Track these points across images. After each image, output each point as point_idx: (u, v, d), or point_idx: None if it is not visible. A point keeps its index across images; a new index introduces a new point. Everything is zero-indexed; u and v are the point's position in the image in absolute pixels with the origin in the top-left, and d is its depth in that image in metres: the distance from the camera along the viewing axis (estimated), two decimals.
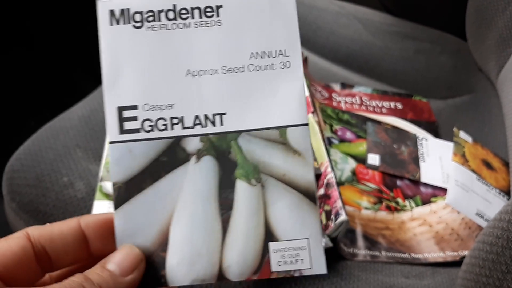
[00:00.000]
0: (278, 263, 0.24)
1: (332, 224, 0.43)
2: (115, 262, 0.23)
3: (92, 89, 0.60)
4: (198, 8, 0.25)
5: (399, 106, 0.64)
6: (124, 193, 0.24)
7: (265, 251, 0.24)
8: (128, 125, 0.25)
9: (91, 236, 0.24)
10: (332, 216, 0.43)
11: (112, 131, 0.24)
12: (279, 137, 0.25)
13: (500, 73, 0.66)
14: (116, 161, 0.24)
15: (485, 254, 0.34)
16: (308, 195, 0.25)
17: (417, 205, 0.52)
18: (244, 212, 0.25)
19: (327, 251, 0.42)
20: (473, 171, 0.55)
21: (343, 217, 0.42)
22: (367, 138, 0.57)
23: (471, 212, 0.50)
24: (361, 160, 0.55)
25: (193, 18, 0.25)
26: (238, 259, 0.24)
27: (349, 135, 0.58)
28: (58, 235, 0.23)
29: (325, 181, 0.47)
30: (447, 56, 0.72)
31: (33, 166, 0.47)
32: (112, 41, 0.25)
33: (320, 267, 0.25)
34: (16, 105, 0.99)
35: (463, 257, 0.46)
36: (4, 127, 0.92)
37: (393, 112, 0.63)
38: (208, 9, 0.25)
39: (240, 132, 0.25)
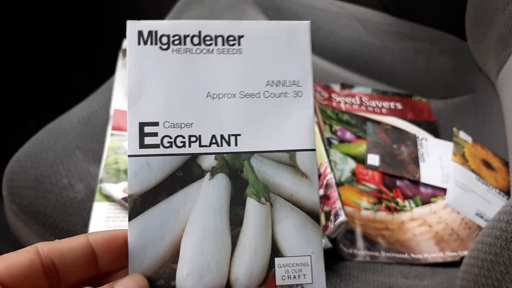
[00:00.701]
0: (282, 278, 0.26)
1: (331, 225, 0.43)
2: (122, 285, 0.24)
3: (93, 91, 0.60)
4: (221, 36, 0.27)
5: (399, 106, 0.64)
6: (140, 205, 0.26)
7: (271, 265, 0.26)
8: (148, 140, 0.26)
9: (99, 251, 0.25)
10: (332, 217, 0.43)
11: (132, 144, 0.26)
12: (288, 160, 0.27)
13: (500, 73, 0.66)
14: (134, 173, 0.26)
15: (484, 254, 0.34)
16: (313, 215, 0.26)
17: (416, 206, 0.52)
18: (253, 229, 0.26)
19: (327, 251, 0.42)
20: (473, 171, 0.54)
21: (342, 217, 0.42)
22: (367, 139, 0.57)
23: (470, 212, 0.50)
24: (360, 160, 0.55)
25: (216, 45, 0.27)
26: (245, 272, 0.26)
27: (348, 135, 0.58)
28: (68, 249, 0.24)
29: (325, 181, 0.47)
30: (446, 56, 0.72)
31: (33, 168, 0.47)
32: (138, 60, 0.26)
33: (320, 282, 0.26)
34: (16, 106, 0.99)
35: (462, 257, 0.46)
36: (5, 128, 0.92)
37: (392, 112, 0.63)
38: (231, 38, 0.27)
39: (253, 153, 0.27)
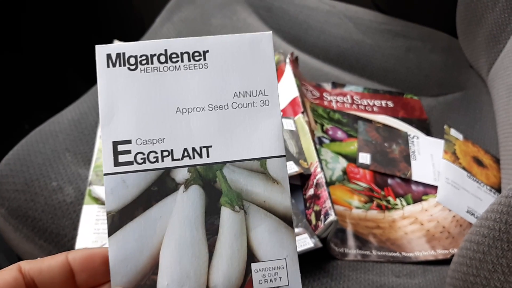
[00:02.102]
0: (259, 282, 0.27)
1: (321, 225, 0.43)
2: None
3: (86, 91, 0.59)
4: (187, 52, 0.28)
5: (390, 104, 0.64)
6: (118, 221, 0.26)
7: (247, 271, 0.27)
8: (122, 158, 0.27)
9: (77, 269, 0.26)
10: (322, 217, 0.43)
11: (107, 163, 0.27)
12: (259, 167, 0.28)
13: (491, 70, 0.66)
14: (110, 191, 0.26)
15: (472, 253, 0.34)
16: (286, 219, 0.27)
17: (408, 204, 0.52)
18: (228, 237, 0.27)
19: (317, 251, 0.42)
20: (463, 168, 0.55)
21: (332, 217, 0.42)
22: (358, 137, 0.57)
23: (462, 210, 0.50)
24: (352, 159, 0.55)
25: (182, 61, 0.28)
26: (223, 279, 0.27)
27: (340, 134, 0.58)
28: (46, 268, 0.26)
29: (315, 181, 0.47)
30: (438, 54, 0.72)
31: (22, 171, 0.47)
32: (108, 82, 0.27)
33: (296, 284, 0.27)
34: (9, 108, 0.98)
35: (453, 255, 0.46)
36: None
37: (384, 110, 0.63)
38: (196, 54, 0.28)
39: (224, 163, 0.27)
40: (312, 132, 0.53)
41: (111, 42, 0.63)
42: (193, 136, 0.27)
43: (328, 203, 0.43)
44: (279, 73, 0.60)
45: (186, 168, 0.27)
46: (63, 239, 0.44)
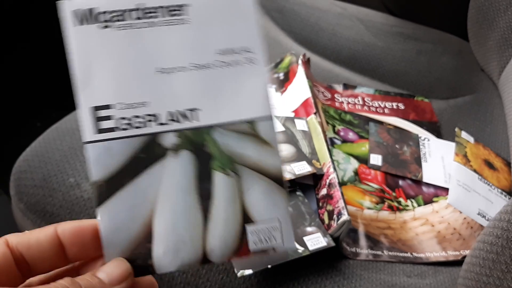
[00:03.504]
0: (255, 243, 0.27)
1: (334, 224, 0.43)
2: (105, 271, 0.24)
3: None
4: (163, 7, 0.26)
5: (401, 106, 0.64)
6: (106, 191, 0.25)
7: (243, 232, 0.27)
8: (103, 124, 0.25)
9: (67, 242, 0.25)
10: (335, 216, 0.44)
11: (87, 131, 0.25)
12: (249, 129, 0.27)
13: (502, 73, 0.66)
14: (95, 160, 0.25)
15: (486, 253, 0.34)
16: (278, 180, 0.27)
17: (419, 205, 0.52)
18: (222, 201, 0.27)
19: (330, 250, 0.42)
20: (474, 171, 0.55)
21: (345, 217, 0.43)
22: (370, 139, 0.58)
23: (472, 212, 0.51)
24: (363, 160, 0.55)
25: (158, 17, 0.26)
26: (219, 243, 0.26)
27: (351, 135, 0.58)
28: (35, 242, 0.25)
29: (328, 181, 0.47)
30: (449, 57, 0.72)
31: (40, 167, 0.48)
32: (79, 42, 0.25)
33: (290, 242, 0.27)
34: (22, 106, 1.00)
35: (464, 257, 0.46)
36: (11, 128, 0.93)
37: (395, 112, 0.63)
38: (174, 8, 0.26)
39: (213, 126, 0.26)
40: (324, 132, 0.53)
41: None
42: (177, 98, 0.26)
43: (341, 203, 0.44)
44: (291, 74, 0.61)
45: (174, 133, 0.26)
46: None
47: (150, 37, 0.26)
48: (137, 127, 0.26)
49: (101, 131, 0.25)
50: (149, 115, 0.26)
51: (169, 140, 0.26)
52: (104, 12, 0.25)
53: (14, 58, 1.00)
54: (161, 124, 0.26)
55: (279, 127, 0.51)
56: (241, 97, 0.27)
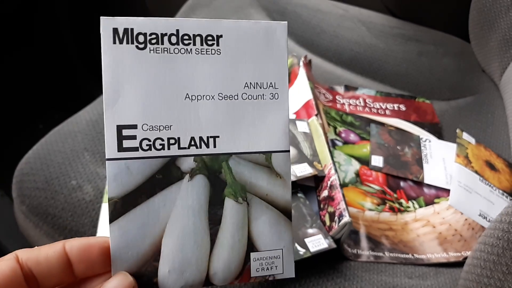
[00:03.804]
0: (257, 270, 0.28)
1: (335, 226, 0.43)
2: (110, 286, 0.25)
3: (99, 92, 0.61)
4: (200, 35, 0.26)
5: (403, 107, 0.64)
6: (120, 207, 0.26)
7: (247, 259, 0.28)
8: (126, 143, 0.26)
9: (74, 259, 0.26)
10: (336, 218, 0.44)
11: (110, 148, 0.26)
12: (264, 161, 0.28)
13: (503, 75, 0.66)
14: (113, 177, 0.26)
15: (486, 255, 0.34)
16: (285, 213, 0.28)
17: (420, 206, 0.52)
18: (230, 227, 0.28)
19: (331, 251, 0.42)
20: (476, 172, 0.55)
21: (346, 218, 0.43)
22: (371, 140, 0.58)
23: (474, 213, 0.51)
24: (364, 161, 0.55)
25: (194, 44, 0.26)
26: (223, 267, 0.27)
27: (352, 137, 0.58)
28: (44, 258, 0.25)
29: (329, 183, 0.47)
30: (450, 58, 0.72)
31: (42, 170, 0.48)
32: (114, 59, 0.26)
33: (290, 272, 0.29)
34: (24, 108, 1.00)
35: (466, 258, 0.46)
36: (13, 130, 0.93)
37: (396, 113, 0.63)
38: (209, 38, 0.26)
39: (231, 154, 0.27)
40: (325, 134, 0.53)
41: None
42: (201, 125, 0.27)
43: (342, 205, 0.44)
44: (293, 76, 0.61)
45: (192, 157, 0.27)
46: (83, 236, 0.45)
47: (184, 63, 0.26)
48: (158, 149, 0.26)
49: (123, 149, 0.26)
50: (172, 138, 0.26)
51: (187, 164, 0.27)
52: (144, 34, 0.26)
53: (17, 60, 1.01)
54: (182, 148, 0.27)
55: None
56: (260, 130, 0.28)
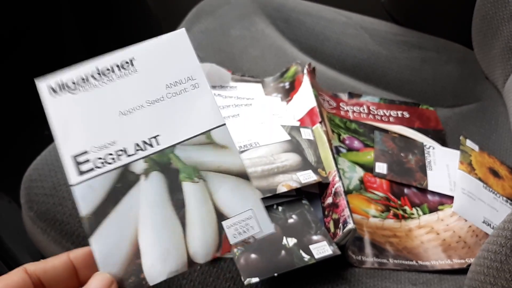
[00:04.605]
0: (234, 236, 0.30)
1: (340, 232, 0.44)
2: (90, 286, 0.28)
3: None
4: (116, 65, 0.31)
5: (406, 115, 0.65)
6: (94, 222, 0.29)
7: (220, 230, 0.30)
8: (83, 167, 0.30)
9: (79, 266, 0.29)
10: (340, 225, 0.44)
11: (71, 175, 0.30)
12: (206, 139, 0.31)
13: (507, 82, 0.67)
14: (81, 198, 0.29)
15: (490, 262, 0.35)
16: (242, 176, 0.31)
17: (424, 213, 0.52)
18: (194, 206, 0.30)
19: (335, 258, 0.43)
20: (479, 179, 0.55)
21: (350, 225, 0.43)
22: (375, 147, 0.58)
23: (478, 220, 0.51)
24: (368, 168, 0.56)
25: (114, 72, 0.31)
26: (200, 244, 0.30)
27: (356, 144, 0.59)
28: (51, 267, 0.28)
29: (333, 190, 0.48)
30: (453, 65, 0.73)
31: (50, 176, 0.49)
32: (56, 108, 0.30)
33: (268, 227, 0.30)
34: (30, 115, 1.01)
35: (470, 265, 0.46)
36: (19, 136, 0.94)
37: (400, 121, 0.64)
38: (125, 63, 0.31)
39: (174, 145, 0.31)
40: (329, 141, 0.54)
41: None
42: (140, 131, 0.31)
43: (346, 212, 0.44)
44: (297, 83, 0.61)
45: (142, 160, 0.30)
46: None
47: (110, 89, 0.31)
48: (110, 163, 0.30)
49: (82, 173, 0.30)
50: (119, 150, 0.30)
51: (139, 167, 0.30)
52: (72, 81, 0.31)
53: (21, 66, 1.02)
54: (130, 155, 0.30)
55: (284, 136, 0.52)
56: (193, 116, 0.31)
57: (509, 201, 0.54)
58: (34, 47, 1.03)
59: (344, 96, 0.65)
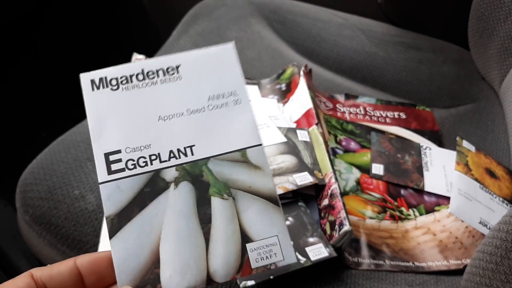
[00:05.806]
0: (256, 260, 0.29)
1: (336, 234, 0.44)
2: None
3: None
4: (161, 69, 0.31)
5: (403, 115, 0.65)
6: (117, 223, 0.29)
7: (243, 252, 0.29)
8: (114, 166, 0.29)
9: (85, 272, 0.28)
10: (336, 226, 0.44)
11: (101, 173, 0.29)
12: (241, 157, 0.31)
13: (503, 82, 0.67)
14: (107, 197, 0.29)
15: (485, 263, 0.35)
16: (272, 200, 0.30)
17: (421, 214, 0.52)
18: (221, 223, 0.30)
19: (332, 260, 0.43)
20: (476, 180, 0.55)
21: (346, 227, 0.43)
22: (371, 148, 0.58)
23: (474, 221, 0.51)
24: (365, 170, 0.56)
25: (158, 76, 0.31)
26: (222, 263, 0.29)
27: (353, 145, 0.59)
28: (56, 273, 0.28)
29: (329, 191, 0.48)
30: (450, 66, 0.73)
31: (45, 179, 0.49)
32: (94, 103, 0.30)
33: (290, 257, 0.30)
34: (27, 117, 1.01)
35: (466, 266, 0.46)
36: (17, 139, 0.94)
37: (397, 121, 0.64)
38: (170, 69, 0.31)
39: (208, 158, 0.31)
40: (326, 143, 0.54)
41: (129, 54, 0.65)
42: (176, 138, 0.30)
43: (342, 213, 0.44)
44: (293, 85, 0.61)
45: (174, 168, 0.30)
46: (85, 245, 0.45)
47: (152, 93, 0.31)
48: (142, 166, 0.30)
49: (112, 172, 0.29)
50: (153, 154, 0.30)
51: (170, 174, 0.30)
52: (116, 78, 0.31)
53: (19, 68, 1.02)
54: (163, 161, 0.30)
55: (281, 138, 0.52)
56: (231, 131, 0.31)
57: (505, 201, 0.54)
58: (33, 51, 1.03)
59: (340, 97, 0.65)
